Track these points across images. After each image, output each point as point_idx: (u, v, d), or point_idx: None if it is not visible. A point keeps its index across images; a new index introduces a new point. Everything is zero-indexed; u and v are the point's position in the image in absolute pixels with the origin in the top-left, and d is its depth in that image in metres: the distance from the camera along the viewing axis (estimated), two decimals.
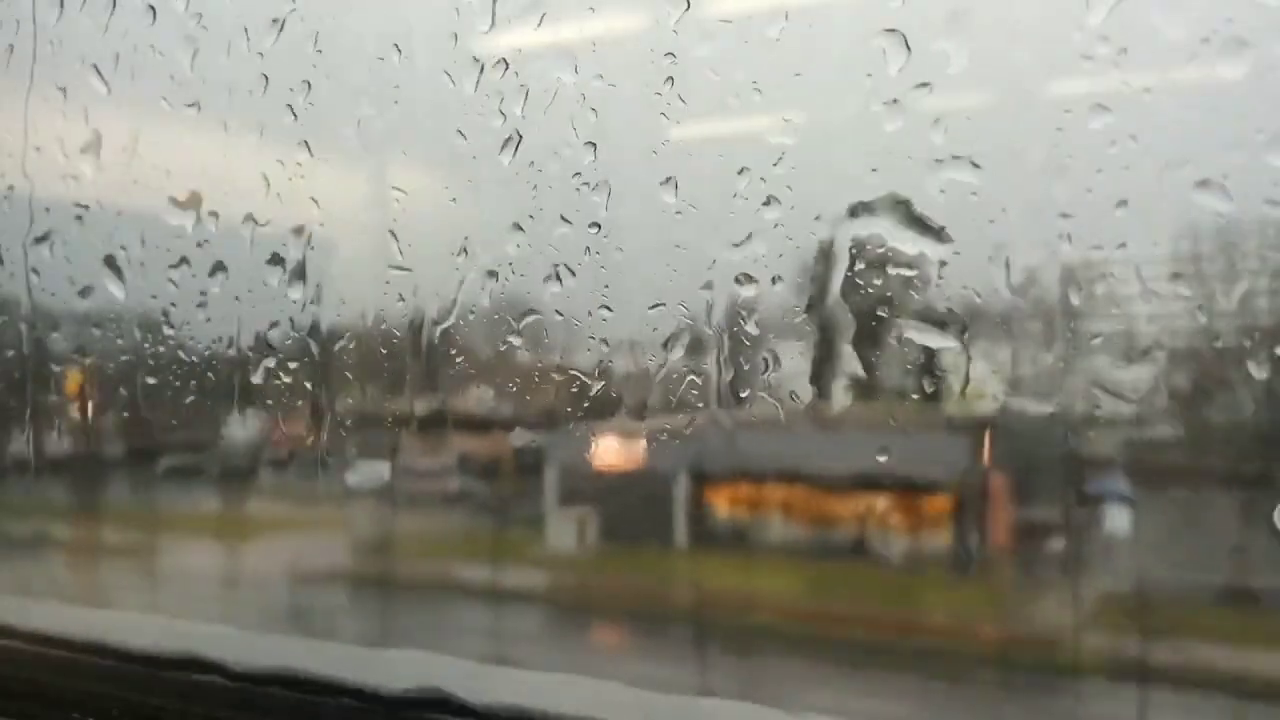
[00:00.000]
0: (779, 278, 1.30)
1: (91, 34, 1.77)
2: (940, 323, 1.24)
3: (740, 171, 1.28)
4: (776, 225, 1.28)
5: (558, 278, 1.41)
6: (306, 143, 1.55)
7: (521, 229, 1.43)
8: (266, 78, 1.56)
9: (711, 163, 1.33)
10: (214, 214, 1.67)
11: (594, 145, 1.36)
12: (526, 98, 1.39)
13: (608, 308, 1.39)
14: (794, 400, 1.36)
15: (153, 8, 1.68)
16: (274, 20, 1.55)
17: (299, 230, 1.60)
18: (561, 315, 1.43)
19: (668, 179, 1.33)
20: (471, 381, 1.63)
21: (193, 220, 1.68)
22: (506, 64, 1.40)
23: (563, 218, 1.40)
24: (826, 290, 1.30)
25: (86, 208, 1.81)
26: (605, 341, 1.42)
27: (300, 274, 1.61)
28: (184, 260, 1.69)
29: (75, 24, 1.79)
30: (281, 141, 1.57)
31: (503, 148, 1.41)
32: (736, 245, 1.30)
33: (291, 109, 1.54)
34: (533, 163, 1.41)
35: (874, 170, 1.22)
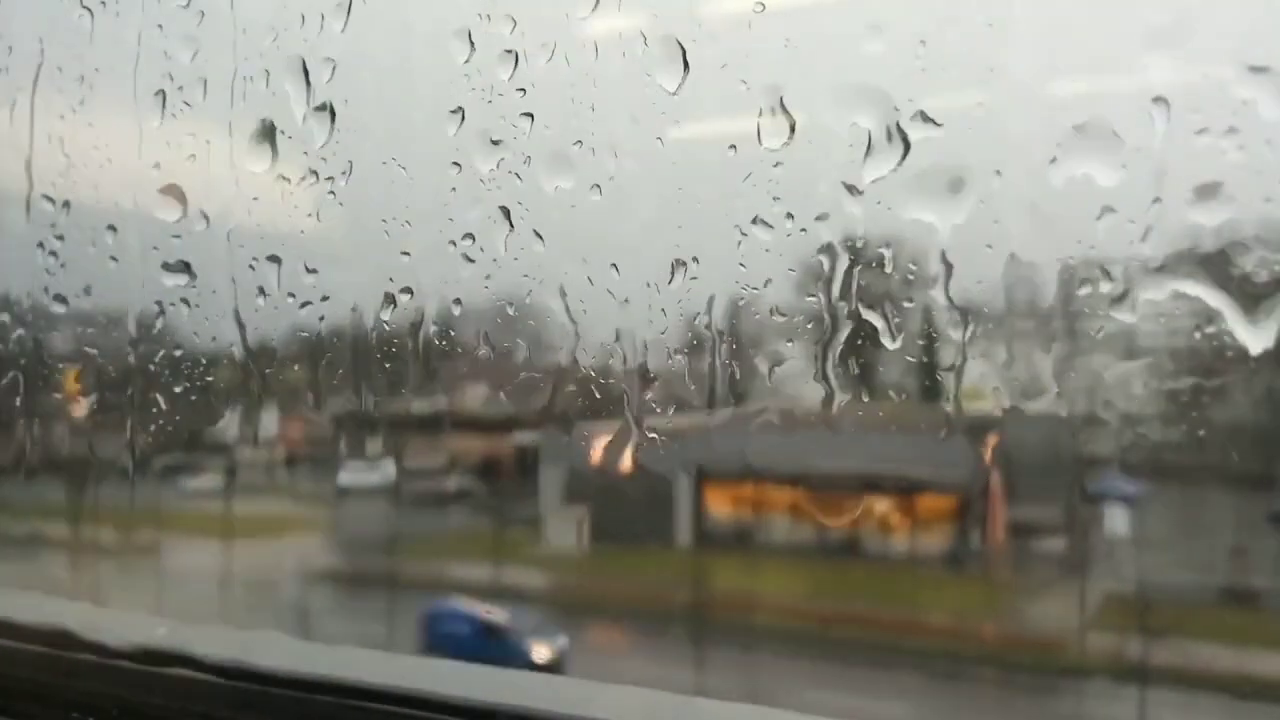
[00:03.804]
0: (788, 272, 1.30)
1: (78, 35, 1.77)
2: (941, 322, 1.24)
3: (741, 170, 1.28)
4: (778, 225, 1.28)
5: (559, 281, 1.42)
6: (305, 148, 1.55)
7: (520, 229, 1.43)
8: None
9: (711, 162, 1.33)
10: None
11: (594, 145, 1.36)
12: (524, 96, 1.39)
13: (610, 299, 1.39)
14: (794, 400, 1.36)
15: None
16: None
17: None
18: (560, 314, 1.43)
19: (667, 178, 1.33)
20: (469, 381, 1.63)
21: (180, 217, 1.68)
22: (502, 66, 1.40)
23: (562, 217, 1.40)
24: (828, 290, 1.30)
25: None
26: (602, 342, 1.43)
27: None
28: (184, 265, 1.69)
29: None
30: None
31: (502, 149, 1.41)
32: (737, 244, 1.31)
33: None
34: (530, 159, 1.41)
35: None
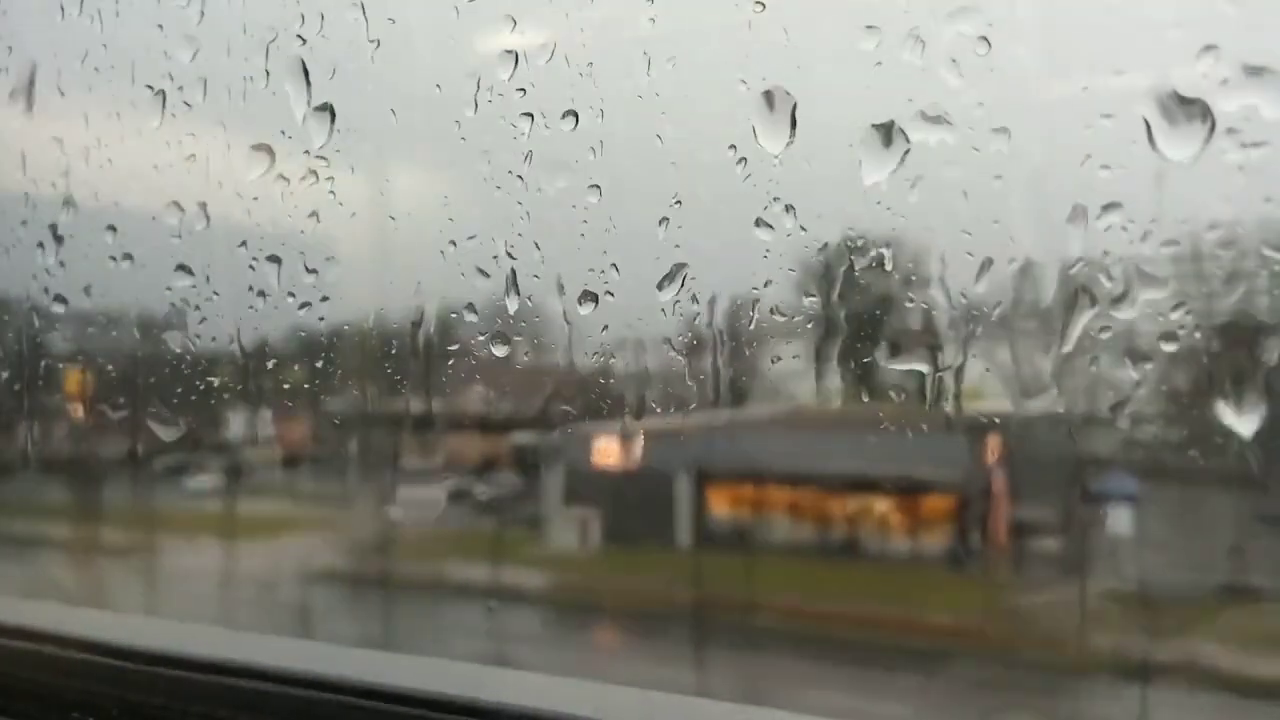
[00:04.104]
0: (789, 272, 1.30)
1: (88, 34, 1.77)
2: (940, 323, 1.24)
3: (741, 170, 1.28)
4: (778, 225, 1.28)
5: (559, 281, 1.42)
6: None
7: (520, 229, 1.43)
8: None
9: (711, 162, 1.33)
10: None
11: (594, 145, 1.36)
12: (524, 96, 1.39)
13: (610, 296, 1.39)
14: (794, 401, 1.36)
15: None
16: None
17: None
18: (560, 314, 1.43)
19: (667, 178, 1.33)
20: (470, 382, 1.63)
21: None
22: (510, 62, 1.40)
23: (562, 217, 1.40)
24: (828, 290, 1.30)
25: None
26: (605, 342, 1.42)
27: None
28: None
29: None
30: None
31: (503, 149, 1.41)
32: (737, 244, 1.30)
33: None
34: (529, 159, 1.41)
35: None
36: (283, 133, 1.57)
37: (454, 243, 1.48)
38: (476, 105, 1.42)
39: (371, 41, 1.50)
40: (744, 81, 1.26)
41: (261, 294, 1.63)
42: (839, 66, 1.24)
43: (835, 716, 1.59)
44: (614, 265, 1.38)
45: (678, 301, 1.35)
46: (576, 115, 1.35)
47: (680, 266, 1.34)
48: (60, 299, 1.87)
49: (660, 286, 1.36)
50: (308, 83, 1.53)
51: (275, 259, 1.61)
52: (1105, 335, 1.17)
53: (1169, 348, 1.14)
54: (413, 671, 1.35)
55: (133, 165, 1.76)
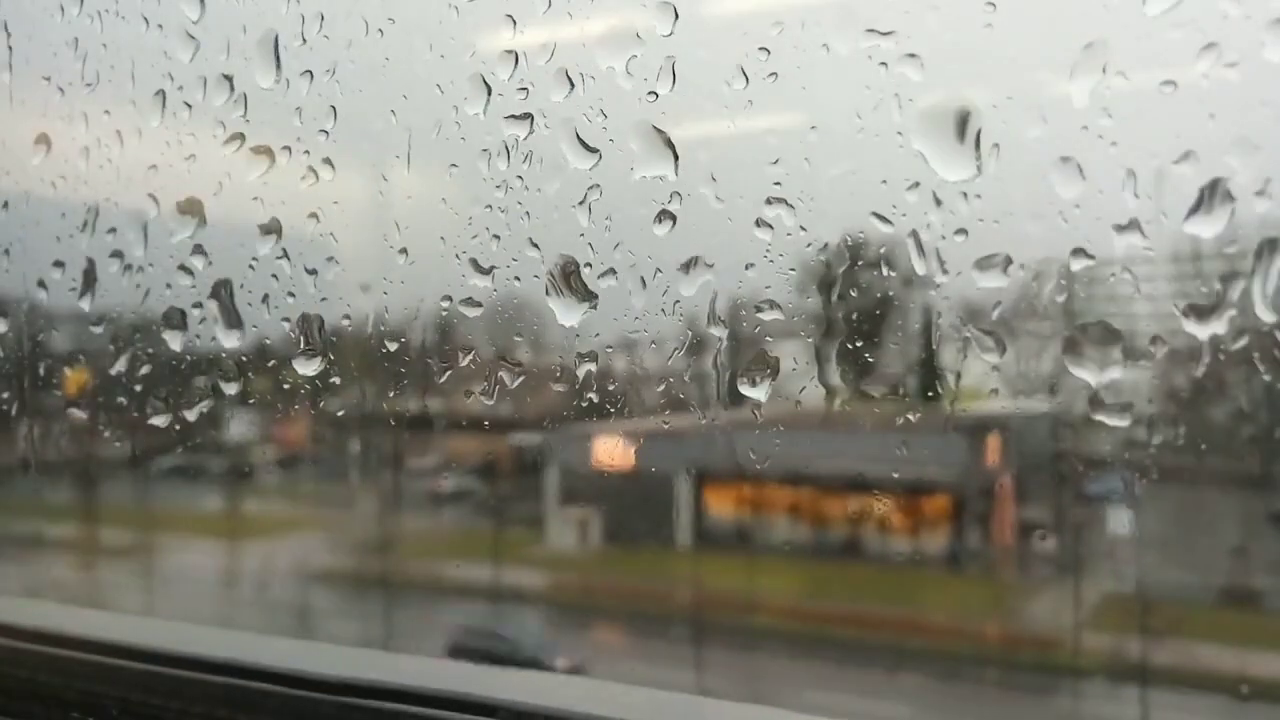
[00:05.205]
0: (789, 272, 1.30)
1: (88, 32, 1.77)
2: (941, 322, 1.24)
3: (741, 171, 1.28)
4: (778, 225, 1.28)
5: (557, 277, 1.42)
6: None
7: (521, 229, 1.43)
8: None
9: (711, 162, 1.33)
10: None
11: (594, 145, 1.36)
12: (526, 97, 1.39)
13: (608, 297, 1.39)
14: (795, 401, 1.36)
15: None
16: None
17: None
18: (561, 314, 1.43)
19: (667, 178, 1.33)
20: (469, 382, 1.63)
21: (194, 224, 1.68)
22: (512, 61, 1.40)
23: (562, 217, 1.40)
24: (829, 290, 1.30)
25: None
26: (608, 344, 1.43)
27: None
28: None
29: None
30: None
31: (503, 150, 1.41)
32: (738, 245, 1.31)
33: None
34: (530, 159, 1.41)
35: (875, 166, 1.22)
36: (282, 134, 1.57)
37: (452, 242, 1.48)
38: (476, 106, 1.41)
39: (371, 42, 1.50)
40: (744, 80, 1.26)
41: (263, 297, 1.63)
42: (841, 67, 1.25)
43: (839, 716, 1.59)
44: (612, 269, 1.38)
45: (678, 301, 1.36)
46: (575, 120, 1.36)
47: (681, 266, 1.34)
48: (58, 299, 1.87)
49: (661, 287, 1.36)
50: (309, 82, 1.53)
51: (278, 258, 1.61)
52: (1105, 335, 1.17)
53: (1169, 347, 1.14)
54: (413, 671, 1.35)
55: (131, 166, 1.77)
